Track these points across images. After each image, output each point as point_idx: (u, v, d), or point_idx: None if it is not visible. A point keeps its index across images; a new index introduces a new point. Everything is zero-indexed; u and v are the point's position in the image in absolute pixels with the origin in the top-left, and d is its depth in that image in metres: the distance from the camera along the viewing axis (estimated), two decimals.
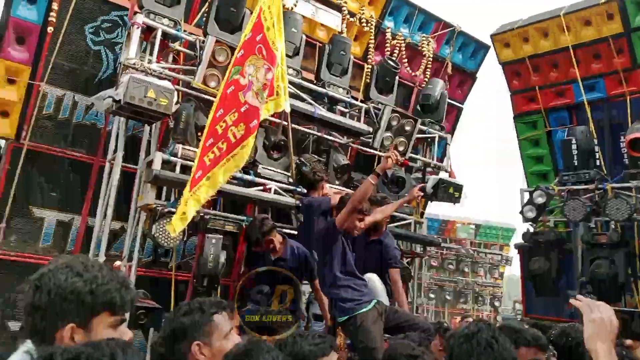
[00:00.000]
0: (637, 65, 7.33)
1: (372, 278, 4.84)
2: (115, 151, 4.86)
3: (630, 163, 7.20)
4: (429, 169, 6.91)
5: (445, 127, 7.08)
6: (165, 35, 4.77)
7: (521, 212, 7.66)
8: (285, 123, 5.28)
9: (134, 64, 4.42)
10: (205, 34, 4.90)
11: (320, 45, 6.11)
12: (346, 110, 6.17)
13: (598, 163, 7.55)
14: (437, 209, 15.65)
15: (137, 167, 4.89)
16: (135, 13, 4.70)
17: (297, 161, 5.45)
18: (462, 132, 8.84)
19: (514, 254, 19.66)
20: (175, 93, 4.49)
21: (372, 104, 6.18)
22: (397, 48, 6.84)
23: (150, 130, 4.90)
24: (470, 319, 8.35)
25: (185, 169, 4.57)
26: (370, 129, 5.98)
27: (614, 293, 6.82)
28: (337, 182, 5.86)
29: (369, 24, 6.56)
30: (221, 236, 4.96)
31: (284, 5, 4.91)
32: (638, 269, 7.20)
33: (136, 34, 4.53)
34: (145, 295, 4.56)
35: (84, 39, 5.13)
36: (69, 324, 1.39)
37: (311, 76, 5.97)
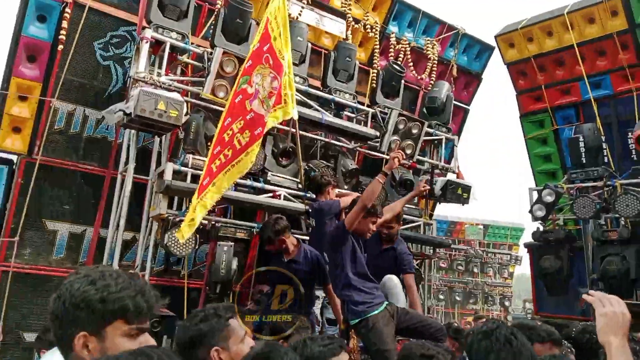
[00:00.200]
0: None
1: (392, 278, 4.87)
2: (126, 163, 4.95)
3: (639, 159, 7.19)
4: (436, 171, 6.92)
5: (452, 129, 7.10)
6: (173, 48, 4.86)
7: (530, 211, 7.65)
8: (294, 130, 5.33)
9: (144, 77, 4.50)
10: (213, 46, 4.97)
11: (326, 52, 6.18)
12: (353, 115, 6.22)
13: (606, 160, 7.53)
14: (445, 211, 15.65)
15: (147, 178, 4.97)
16: (144, 28, 4.79)
17: (306, 167, 5.51)
18: (468, 133, 8.88)
19: (523, 254, 19.59)
20: (185, 104, 4.56)
21: (379, 108, 6.23)
22: (402, 52, 6.89)
23: (161, 142, 4.98)
24: (484, 319, 8.36)
25: (196, 179, 4.62)
26: (377, 133, 6.02)
27: (625, 289, 6.79)
28: (345, 187, 5.88)
29: (374, 30, 6.61)
30: (232, 243, 5.02)
31: (289, 15, 4.96)
32: None
33: (145, 48, 4.61)
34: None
35: (93, 55, 5.24)
36: (81, 332, 1.38)
37: (317, 83, 6.03)
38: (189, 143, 4.80)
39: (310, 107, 5.53)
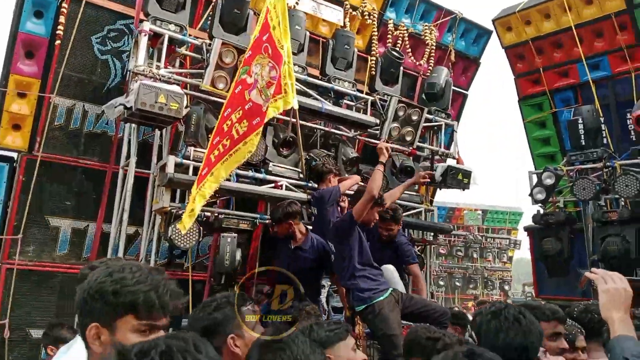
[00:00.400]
0: None
1: (389, 268, 4.91)
2: (127, 157, 4.94)
3: (638, 139, 7.21)
4: (436, 157, 6.93)
5: (451, 115, 7.09)
6: (171, 40, 4.82)
7: (530, 194, 7.68)
8: (294, 120, 5.32)
9: (143, 70, 4.47)
10: (211, 37, 4.94)
11: (324, 40, 6.15)
12: (352, 103, 6.20)
13: (605, 141, 7.54)
14: (443, 197, 15.68)
15: (149, 172, 4.96)
16: (142, 21, 4.75)
17: (307, 157, 5.51)
18: (467, 119, 8.88)
19: (522, 238, 19.72)
20: (185, 97, 4.54)
21: (378, 96, 6.21)
22: (400, 38, 6.86)
23: (161, 135, 4.97)
24: (486, 304, 8.42)
25: (198, 171, 4.62)
26: (377, 121, 6.02)
27: (625, 269, 6.84)
28: (346, 175, 5.90)
29: (371, 17, 6.57)
30: (236, 234, 5.02)
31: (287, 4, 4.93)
32: None
33: (143, 41, 4.58)
34: None
35: (91, 49, 5.20)
36: (93, 322, 1.39)
37: (316, 72, 6.01)
38: (190, 135, 4.79)
39: (309, 96, 5.51)
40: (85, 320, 1.41)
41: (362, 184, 5.21)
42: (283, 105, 4.48)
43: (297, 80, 5.25)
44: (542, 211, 7.91)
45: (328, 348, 2.37)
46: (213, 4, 5.20)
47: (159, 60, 4.75)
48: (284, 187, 5.27)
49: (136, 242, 5.19)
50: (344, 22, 6.32)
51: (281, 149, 5.44)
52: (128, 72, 4.77)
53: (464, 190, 6.93)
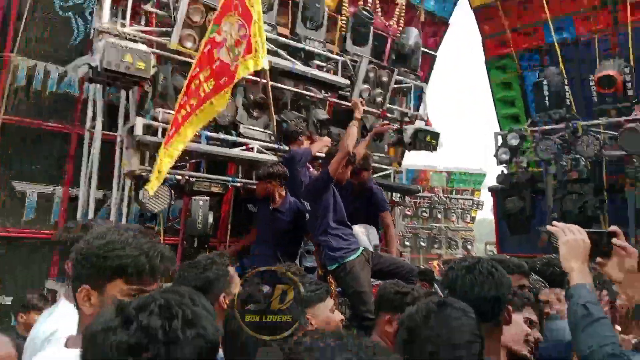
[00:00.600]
0: (605, 4, 7.45)
1: (357, 231, 5.01)
2: (93, 119, 4.80)
3: (600, 101, 7.42)
4: (406, 119, 6.98)
5: (420, 76, 7.11)
6: None
7: (495, 155, 7.88)
8: (264, 81, 5.24)
9: (108, 29, 4.30)
10: None
11: None
12: (323, 64, 6.13)
13: (568, 103, 7.75)
14: (410, 160, 15.88)
15: (115, 134, 4.84)
16: None
17: (278, 119, 5.47)
18: (435, 81, 8.93)
19: (484, 199, 20.26)
20: (152, 56, 4.41)
21: (349, 57, 6.16)
22: None
23: (127, 96, 4.83)
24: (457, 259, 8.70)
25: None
26: (349, 82, 5.99)
27: (583, 226, 7.14)
28: (316, 137, 5.89)
29: None
30: (207, 198, 5.00)
31: None
32: (606, 201, 7.55)
33: None
34: None
35: (51, 6, 4.95)
36: (83, 285, 1.40)
37: (286, 31, 5.89)
38: (157, 96, 4.69)
39: (279, 56, 5.42)
40: (75, 282, 1.42)
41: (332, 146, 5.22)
42: (254, 65, 4.40)
43: (267, 39, 5.12)
44: (506, 171, 8.14)
45: (308, 308, 2.42)
46: None
47: (123, 18, 4.56)
48: (255, 149, 5.23)
49: (105, 206, 5.09)
50: None
51: (252, 111, 5.38)
52: (92, 31, 4.59)
53: (432, 151, 7.03)
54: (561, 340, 2.38)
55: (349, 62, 6.10)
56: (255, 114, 5.39)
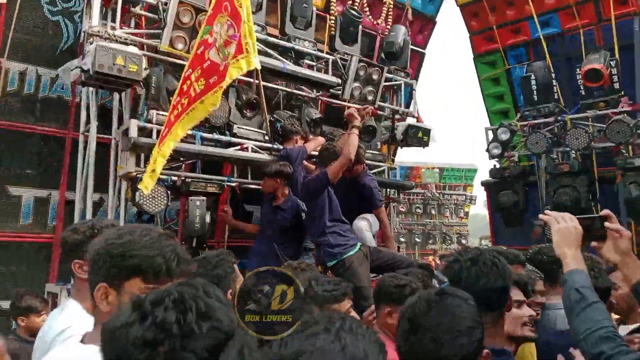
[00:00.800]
0: None
1: (355, 224, 5.05)
2: (87, 123, 4.82)
3: (587, 94, 7.51)
4: (397, 116, 7.05)
5: (410, 74, 7.18)
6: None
7: (487, 150, 7.96)
8: (257, 81, 5.28)
9: (98, 31, 4.32)
10: None
11: None
12: (313, 63, 6.18)
13: (556, 97, 7.85)
14: (401, 157, 15.97)
15: (110, 137, 4.86)
16: None
17: (271, 118, 5.51)
18: (424, 78, 9.01)
19: (477, 193, 20.41)
20: (144, 58, 4.43)
21: (339, 55, 6.21)
22: None
23: (121, 99, 4.85)
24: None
25: None
26: (339, 81, 6.03)
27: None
28: (311, 136, 5.93)
29: None
30: (204, 198, 5.02)
31: None
32: (597, 193, 7.65)
33: (97, 0, 4.40)
34: None
35: (40, 10, 4.99)
36: (101, 282, 1.42)
37: (275, 32, 5.92)
38: (150, 98, 4.70)
39: (270, 56, 5.46)
40: (93, 279, 1.44)
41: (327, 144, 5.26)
42: (246, 65, 4.44)
43: (257, 40, 5.16)
44: (498, 166, 8.22)
45: (322, 308, 2.43)
46: None
47: (113, 20, 4.59)
48: (249, 149, 5.27)
49: (101, 209, 5.11)
50: None
51: (245, 111, 5.40)
52: (82, 34, 4.60)
53: (424, 147, 7.11)
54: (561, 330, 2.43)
55: (339, 60, 6.15)
56: (248, 114, 5.42)
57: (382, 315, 2.82)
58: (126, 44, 4.46)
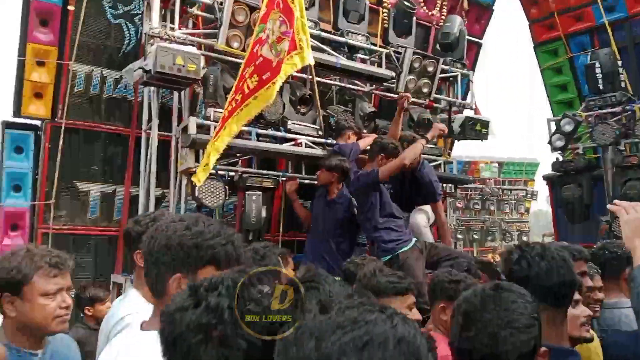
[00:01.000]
0: None
1: (412, 222, 5.01)
2: (149, 121, 5.01)
3: None
4: (454, 109, 6.90)
5: (466, 65, 7.01)
6: (183, 1, 4.79)
7: (549, 142, 7.64)
8: (310, 77, 5.32)
9: (158, 33, 4.48)
10: None
11: None
12: (366, 57, 6.16)
13: (623, 85, 7.43)
14: (458, 151, 15.64)
15: (170, 134, 5.03)
16: None
17: (325, 113, 5.54)
18: (482, 68, 8.77)
19: (539, 189, 19.67)
20: (202, 57, 4.56)
21: (392, 48, 6.14)
22: None
23: (180, 97, 5.01)
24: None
25: None
26: (393, 74, 5.97)
27: None
28: (364, 131, 5.91)
29: None
30: (260, 193, 5.12)
31: None
32: None
33: (156, 2, 4.56)
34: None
35: (103, 14, 5.21)
36: (176, 273, 1.47)
37: (328, 27, 5.94)
38: (208, 96, 4.83)
39: (323, 51, 5.48)
40: (163, 270, 1.49)
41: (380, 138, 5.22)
42: (300, 61, 4.48)
43: (310, 35, 5.19)
44: (561, 159, 7.88)
45: (382, 297, 2.45)
46: None
47: (172, 21, 4.74)
48: (303, 144, 5.32)
49: (163, 203, 5.32)
50: None
51: (299, 107, 5.46)
52: (143, 35, 4.78)
53: (482, 140, 6.92)
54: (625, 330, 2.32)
55: (392, 53, 6.09)
56: (302, 109, 5.47)
57: (436, 311, 2.80)
58: (185, 44, 4.60)
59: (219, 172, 4.81)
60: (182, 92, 4.92)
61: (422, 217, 5.13)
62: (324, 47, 5.53)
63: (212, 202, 4.68)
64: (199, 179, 4.25)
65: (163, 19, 4.74)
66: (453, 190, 7.32)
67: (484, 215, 19.48)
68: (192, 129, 4.63)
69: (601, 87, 7.36)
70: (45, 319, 1.89)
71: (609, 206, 2.01)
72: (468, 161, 18.78)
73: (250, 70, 4.23)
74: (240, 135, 4.58)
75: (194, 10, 4.97)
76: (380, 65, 6.04)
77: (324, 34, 5.62)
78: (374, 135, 5.46)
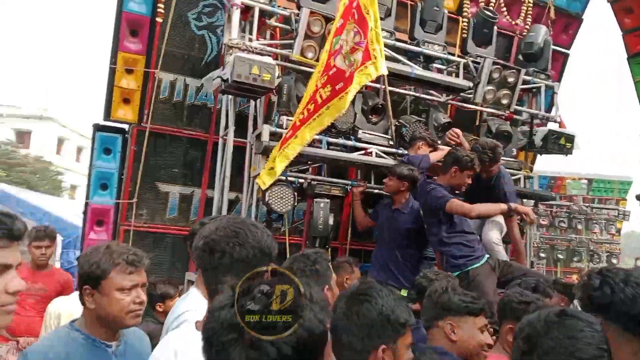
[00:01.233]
0: None
1: (485, 240, 4.84)
2: (226, 127, 5.22)
3: None
4: (536, 121, 6.58)
5: (551, 76, 6.68)
6: (261, 12, 4.96)
7: None
8: (383, 87, 5.31)
9: (237, 43, 4.67)
10: (299, 7, 5.01)
11: (412, 3, 6.00)
12: (443, 67, 6.05)
13: None
14: (543, 166, 14.88)
15: (246, 140, 5.21)
16: None
17: (397, 123, 5.50)
18: (569, 79, 8.32)
19: (631, 209, 18.25)
20: (277, 67, 4.69)
21: (471, 58, 5.99)
22: None
23: (255, 106, 5.18)
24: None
25: None
26: (470, 84, 5.81)
27: None
28: (439, 142, 5.80)
29: None
30: (328, 200, 5.16)
31: None
32: None
33: (236, 14, 4.77)
34: None
35: (188, 26, 5.53)
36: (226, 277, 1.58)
37: (405, 37, 5.90)
38: (282, 105, 4.97)
39: (398, 61, 5.45)
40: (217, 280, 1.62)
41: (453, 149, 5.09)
42: (374, 71, 4.48)
43: (385, 45, 5.18)
44: None
45: (453, 316, 2.44)
46: None
47: (250, 32, 4.92)
48: (373, 154, 5.31)
49: (236, 206, 5.52)
50: None
51: (370, 116, 5.46)
52: (223, 46, 5.00)
53: (566, 155, 6.54)
54: None
55: (470, 63, 5.93)
56: (373, 119, 5.47)
57: (504, 331, 2.70)
58: (262, 54, 4.76)
59: (289, 178, 4.91)
60: (258, 100, 5.08)
61: (495, 232, 4.93)
62: (399, 57, 5.50)
63: (281, 208, 4.78)
64: (264, 182, 4.39)
65: (243, 30, 4.95)
66: (534, 207, 6.96)
67: (571, 234, 18.36)
68: (265, 137, 4.77)
69: None
70: (120, 312, 2.02)
71: None
72: (554, 177, 17.83)
73: (324, 81, 4.30)
74: (311, 143, 4.65)
75: (272, 21, 5.13)
76: (457, 76, 5.92)
77: (399, 44, 5.59)
78: (447, 148, 5.33)
